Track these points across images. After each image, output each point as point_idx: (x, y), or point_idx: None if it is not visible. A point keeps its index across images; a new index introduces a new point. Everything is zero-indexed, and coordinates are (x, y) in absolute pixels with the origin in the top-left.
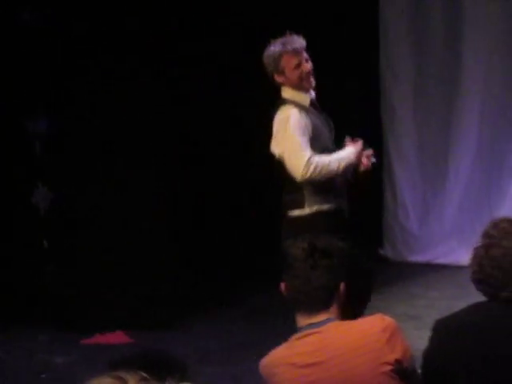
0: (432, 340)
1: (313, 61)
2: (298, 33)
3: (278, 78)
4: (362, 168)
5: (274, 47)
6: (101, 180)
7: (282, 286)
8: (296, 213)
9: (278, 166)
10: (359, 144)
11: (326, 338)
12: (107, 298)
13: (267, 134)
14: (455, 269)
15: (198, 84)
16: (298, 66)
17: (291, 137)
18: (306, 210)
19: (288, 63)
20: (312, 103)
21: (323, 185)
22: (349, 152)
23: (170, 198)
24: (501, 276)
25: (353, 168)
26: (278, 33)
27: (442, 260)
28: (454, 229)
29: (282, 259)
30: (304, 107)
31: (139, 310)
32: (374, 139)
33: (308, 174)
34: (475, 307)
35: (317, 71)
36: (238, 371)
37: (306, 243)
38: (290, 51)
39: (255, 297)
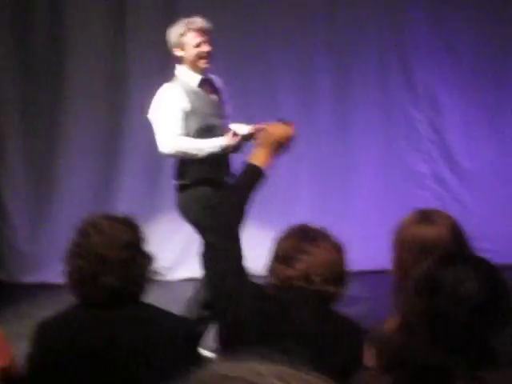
0: (35, 342)
1: None
2: None
3: (176, 53)
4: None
5: (180, 23)
6: None
7: None
8: (182, 182)
9: None
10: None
11: None
12: None
13: None
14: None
15: None
16: (199, 45)
17: (162, 113)
18: (188, 180)
19: (190, 40)
20: (203, 84)
21: (201, 159)
22: (215, 143)
23: None
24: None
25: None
26: None
27: (52, 280)
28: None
29: None
30: (188, 86)
31: None
32: None
33: (167, 152)
34: (72, 309)
35: None
36: None
37: None
38: (194, 29)
39: None
